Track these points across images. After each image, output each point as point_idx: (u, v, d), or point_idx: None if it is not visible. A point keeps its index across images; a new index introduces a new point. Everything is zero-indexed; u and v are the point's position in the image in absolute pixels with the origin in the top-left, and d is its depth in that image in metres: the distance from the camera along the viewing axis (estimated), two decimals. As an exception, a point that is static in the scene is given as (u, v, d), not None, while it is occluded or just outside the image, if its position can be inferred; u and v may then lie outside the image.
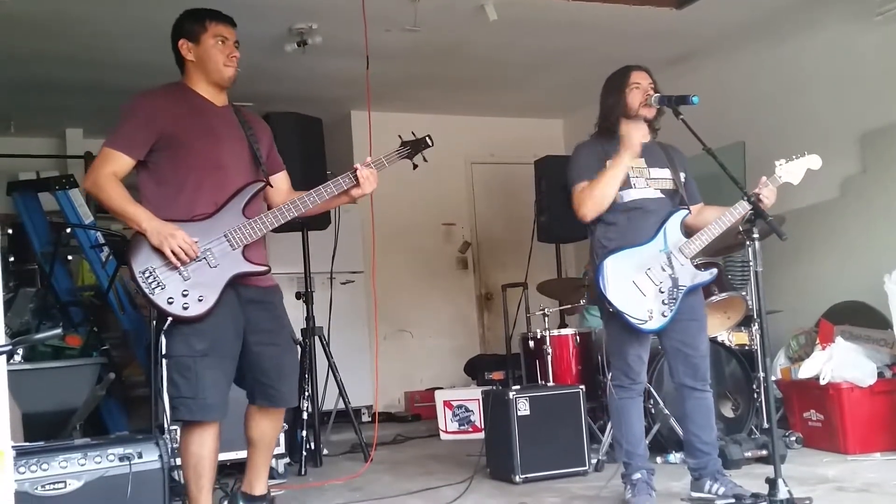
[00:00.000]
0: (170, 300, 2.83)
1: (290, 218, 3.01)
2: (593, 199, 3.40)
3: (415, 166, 3.18)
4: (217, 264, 2.89)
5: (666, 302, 3.35)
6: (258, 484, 3.22)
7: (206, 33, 3.03)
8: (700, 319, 3.52)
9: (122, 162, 2.91)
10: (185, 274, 2.85)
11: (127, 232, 6.03)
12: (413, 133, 3.19)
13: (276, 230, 3.11)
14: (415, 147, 3.16)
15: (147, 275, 2.83)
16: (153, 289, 2.82)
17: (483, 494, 3.97)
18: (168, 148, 2.94)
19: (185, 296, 2.84)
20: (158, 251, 2.83)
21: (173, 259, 2.82)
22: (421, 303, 7.65)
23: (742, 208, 3.28)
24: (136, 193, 2.99)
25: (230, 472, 4.07)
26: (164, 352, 2.86)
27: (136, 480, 2.88)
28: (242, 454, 3.37)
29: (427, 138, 3.17)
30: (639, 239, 3.40)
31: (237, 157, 3.05)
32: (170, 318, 2.88)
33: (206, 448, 2.96)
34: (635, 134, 3.37)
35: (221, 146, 3.01)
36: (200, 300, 2.85)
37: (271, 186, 3.12)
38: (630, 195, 3.45)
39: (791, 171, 3.35)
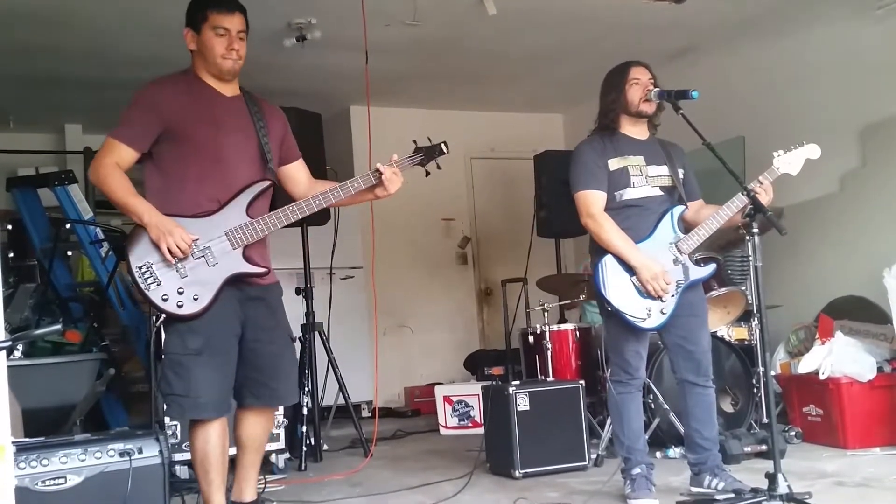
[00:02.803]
0: (164, 297, 2.80)
1: (294, 220, 2.94)
2: (599, 232, 3.40)
3: (427, 173, 3.09)
4: (215, 263, 2.85)
5: (664, 299, 3.35)
6: (248, 489, 3.14)
7: (206, 23, 2.93)
8: (701, 315, 3.52)
9: (125, 153, 2.85)
10: (183, 271, 2.81)
11: (127, 227, 6.09)
12: (429, 139, 3.09)
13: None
14: (428, 154, 3.06)
15: (144, 270, 2.80)
16: (149, 284, 2.79)
17: (483, 489, 3.97)
18: (171, 139, 2.88)
19: (180, 293, 2.81)
20: (157, 246, 2.79)
21: (168, 256, 2.79)
22: (421, 298, 7.64)
23: (739, 202, 3.27)
24: (141, 188, 2.93)
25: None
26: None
27: (136, 476, 2.87)
28: (232, 450, 3.24)
29: (442, 145, 3.06)
30: (637, 237, 3.40)
31: (240, 150, 2.96)
32: (163, 315, 2.86)
33: (210, 444, 2.92)
34: (650, 273, 3.32)
35: (224, 138, 2.93)
36: (196, 299, 2.81)
37: (277, 184, 3.06)
38: (629, 194, 3.44)
39: (790, 161, 3.32)
